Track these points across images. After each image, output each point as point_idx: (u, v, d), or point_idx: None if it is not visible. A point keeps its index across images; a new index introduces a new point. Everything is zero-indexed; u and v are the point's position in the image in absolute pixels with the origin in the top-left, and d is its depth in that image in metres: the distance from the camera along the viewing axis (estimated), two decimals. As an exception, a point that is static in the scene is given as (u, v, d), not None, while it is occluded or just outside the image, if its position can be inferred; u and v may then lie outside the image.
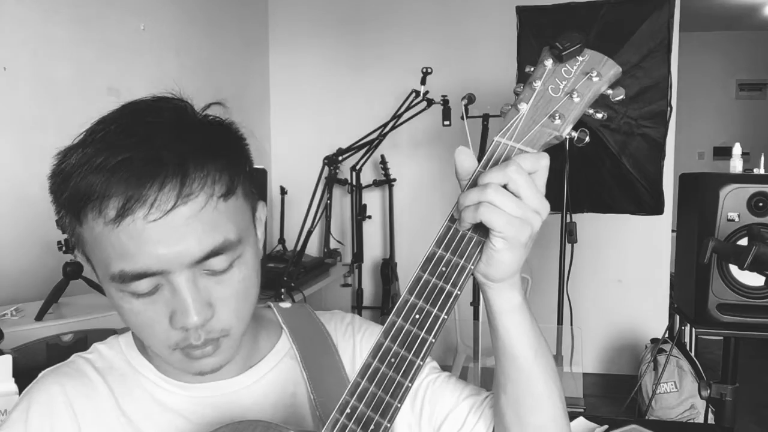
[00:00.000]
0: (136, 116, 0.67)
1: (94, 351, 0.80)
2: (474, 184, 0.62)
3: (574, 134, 0.63)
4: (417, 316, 0.62)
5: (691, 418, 3.01)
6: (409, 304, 0.62)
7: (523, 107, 0.64)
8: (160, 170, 0.62)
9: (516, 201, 0.59)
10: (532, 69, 0.66)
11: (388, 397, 0.62)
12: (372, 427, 0.62)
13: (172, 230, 0.63)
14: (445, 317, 0.61)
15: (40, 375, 0.78)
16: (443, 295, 0.62)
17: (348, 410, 0.63)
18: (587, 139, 0.63)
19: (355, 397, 0.63)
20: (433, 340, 0.61)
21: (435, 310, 0.62)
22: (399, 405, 0.62)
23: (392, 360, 0.62)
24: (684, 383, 3.06)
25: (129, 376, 0.78)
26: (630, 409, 3.17)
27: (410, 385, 0.61)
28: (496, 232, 0.60)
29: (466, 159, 0.64)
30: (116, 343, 0.81)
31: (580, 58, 0.64)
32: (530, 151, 0.63)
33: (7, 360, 1.14)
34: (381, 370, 0.62)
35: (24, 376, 0.98)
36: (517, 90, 0.66)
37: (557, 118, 0.62)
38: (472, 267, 0.62)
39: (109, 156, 0.63)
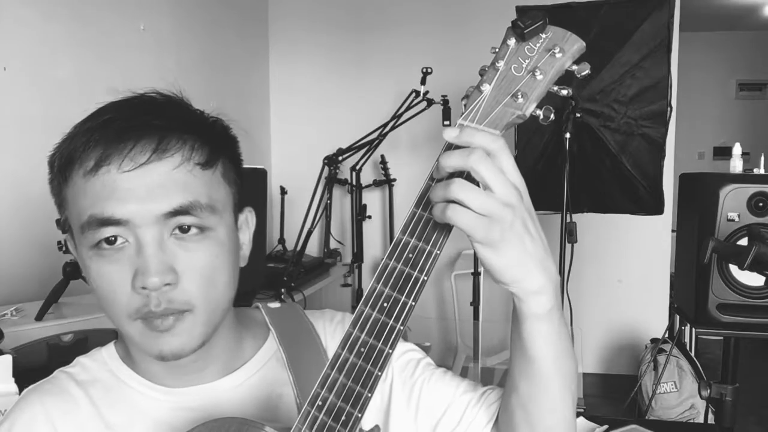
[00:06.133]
0: (131, 96, 0.72)
1: (77, 364, 0.80)
2: (437, 169, 0.61)
3: (539, 112, 0.61)
4: (385, 305, 0.61)
5: (691, 418, 3.01)
6: (376, 293, 0.61)
7: (486, 88, 0.63)
8: (141, 130, 0.67)
9: (482, 196, 0.56)
10: (497, 50, 0.65)
11: (358, 387, 0.61)
12: (343, 417, 0.61)
13: (143, 183, 0.66)
14: (413, 304, 0.60)
15: (23, 393, 0.79)
16: (410, 282, 0.61)
17: (319, 402, 0.62)
18: (552, 116, 0.61)
19: (325, 388, 0.62)
20: (402, 328, 0.60)
21: (403, 298, 0.60)
22: (369, 395, 0.61)
23: (362, 350, 0.61)
24: (684, 383, 3.06)
25: (113, 387, 0.78)
26: (630, 409, 3.17)
27: (380, 374, 0.61)
28: (467, 234, 0.57)
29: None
30: (99, 355, 0.81)
31: (543, 35, 0.63)
32: (493, 133, 0.60)
33: (7, 360, 1.14)
34: (350, 360, 0.62)
35: (24, 376, 0.98)
36: (482, 72, 0.65)
37: (520, 96, 0.61)
38: (439, 252, 0.61)
39: (97, 117, 0.69)
